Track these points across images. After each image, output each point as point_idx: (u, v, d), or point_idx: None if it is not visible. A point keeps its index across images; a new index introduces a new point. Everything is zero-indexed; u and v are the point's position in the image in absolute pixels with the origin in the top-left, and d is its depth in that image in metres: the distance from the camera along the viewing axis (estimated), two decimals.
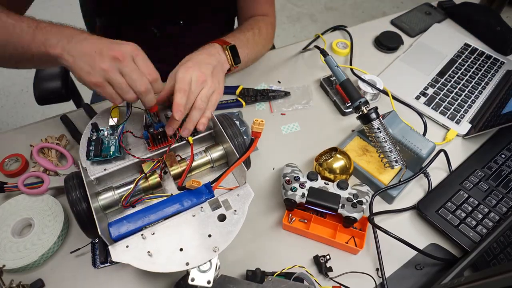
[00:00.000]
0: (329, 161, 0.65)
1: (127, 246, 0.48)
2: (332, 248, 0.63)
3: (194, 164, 0.58)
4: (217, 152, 0.60)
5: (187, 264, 0.47)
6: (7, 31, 0.54)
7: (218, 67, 0.64)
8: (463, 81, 0.89)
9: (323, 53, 0.69)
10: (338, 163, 0.65)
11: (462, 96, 0.85)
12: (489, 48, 0.97)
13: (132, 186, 0.54)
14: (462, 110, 0.83)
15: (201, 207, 0.52)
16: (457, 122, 0.80)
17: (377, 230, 0.62)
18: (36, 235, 0.60)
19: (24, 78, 2.01)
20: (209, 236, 0.49)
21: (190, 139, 0.58)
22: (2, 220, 0.61)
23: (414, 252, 0.61)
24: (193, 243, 0.49)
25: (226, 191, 0.55)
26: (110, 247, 0.48)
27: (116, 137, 0.58)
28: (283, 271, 0.57)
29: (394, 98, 0.79)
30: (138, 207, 0.55)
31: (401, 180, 0.67)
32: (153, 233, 0.50)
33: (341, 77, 0.66)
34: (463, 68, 0.91)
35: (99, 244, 0.60)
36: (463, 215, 0.65)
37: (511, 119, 0.73)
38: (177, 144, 0.59)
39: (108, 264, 0.59)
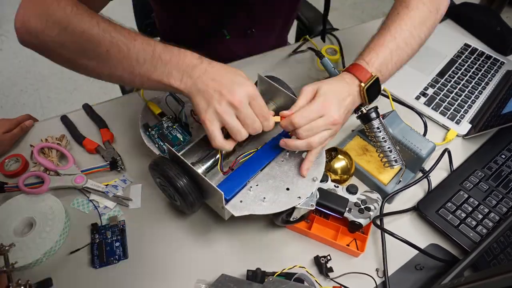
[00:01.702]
0: (330, 162, 0.65)
1: (241, 201, 0.54)
2: (333, 248, 0.63)
3: None
4: (270, 108, 0.63)
5: (299, 197, 0.54)
6: (121, 53, 0.50)
7: (350, 110, 0.58)
8: (463, 81, 0.89)
9: (319, 55, 0.69)
10: (339, 164, 0.66)
11: (462, 96, 0.85)
12: (489, 48, 0.97)
13: (218, 155, 0.59)
14: (462, 110, 0.83)
15: (287, 152, 0.60)
16: (457, 122, 0.80)
17: (379, 231, 0.62)
18: (38, 234, 0.60)
19: (24, 78, 2.01)
20: None
21: None
22: (3, 220, 0.61)
23: (414, 253, 0.61)
24: (295, 181, 0.57)
25: None
26: (227, 206, 0.53)
27: (176, 126, 0.63)
28: (284, 271, 0.57)
29: (394, 98, 0.79)
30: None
31: (401, 179, 0.67)
32: (257, 184, 0.56)
33: None
34: (463, 68, 0.91)
35: (98, 245, 0.60)
36: (463, 215, 0.65)
37: (511, 119, 0.73)
38: None
39: (108, 264, 0.59)
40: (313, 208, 0.55)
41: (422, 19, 0.62)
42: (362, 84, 0.56)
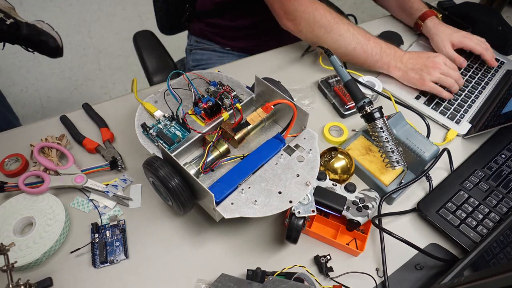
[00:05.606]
0: (330, 162, 0.65)
1: (232, 203, 0.54)
2: (333, 248, 0.63)
3: (250, 126, 0.64)
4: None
5: (290, 202, 0.54)
6: (363, 49, 0.81)
7: None
8: (463, 80, 0.88)
9: (328, 53, 0.70)
10: (339, 163, 0.65)
11: (462, 96, 0.85)
12: None
13: (205, 154, 0.59)
14: (462, 110, 0.83)
15: (281, 154, 0.60)
16: (457, 122, 0.80)
17: (379, 231, 0.62)
18: (38, 233, 0.60)
19: (24, 78, 2.01)
20: (298, 175, 0.57)
21: (239, 105, 0.65)
22: (3, 219, 0.61)
23: (414, 252, 0.61)
24: (287, 184, 0.56)
25: (293, 138, 0.63)
26: (218, 208, 0.53)
27: (173, 124, 0.64)
28: (284, 270, 0.57)
29: (395, 100, 0.79)
30: (217, 171, 0.62)
31: (402, 181, 0.67)
32: (249, 187, 0.56)
33: (346, 77, 0.66)
34: (463, 68, 0.91)
35: (98, 244, 0.60)
36: (464, 215, 0.65)
37: (511, 119, 0.73)
38: (229, 112, 0.66)
39: (108, 264, 0.59)
40: (315, 213, 0.55)
41: None
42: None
